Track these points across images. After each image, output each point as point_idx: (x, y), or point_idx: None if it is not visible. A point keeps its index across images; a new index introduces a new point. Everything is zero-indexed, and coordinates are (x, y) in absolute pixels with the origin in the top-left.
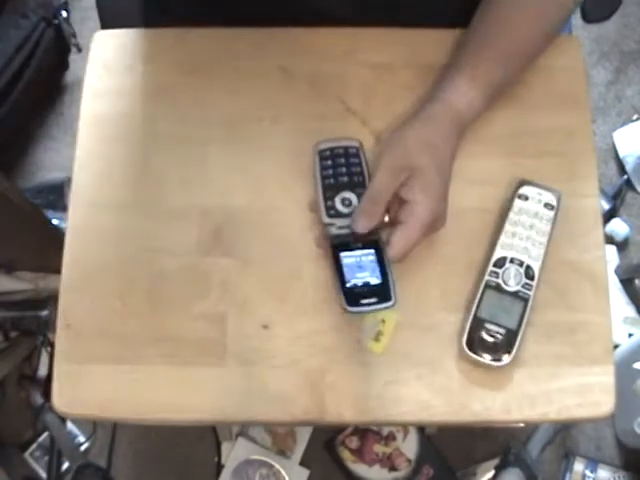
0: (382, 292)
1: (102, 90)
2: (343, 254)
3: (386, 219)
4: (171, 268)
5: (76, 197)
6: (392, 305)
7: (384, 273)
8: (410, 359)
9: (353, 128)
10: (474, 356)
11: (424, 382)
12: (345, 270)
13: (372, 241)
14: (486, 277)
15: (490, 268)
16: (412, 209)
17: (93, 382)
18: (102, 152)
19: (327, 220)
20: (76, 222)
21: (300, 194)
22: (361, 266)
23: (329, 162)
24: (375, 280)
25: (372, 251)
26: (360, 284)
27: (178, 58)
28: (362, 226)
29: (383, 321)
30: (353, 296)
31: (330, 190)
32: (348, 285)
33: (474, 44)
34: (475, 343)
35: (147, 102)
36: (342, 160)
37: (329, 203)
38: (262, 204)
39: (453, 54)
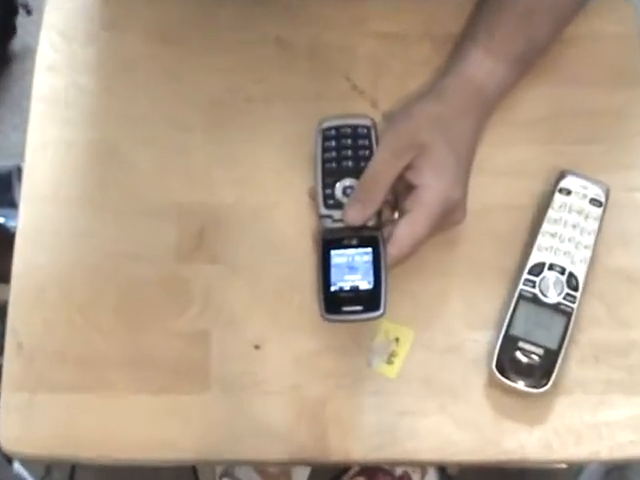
0: (371, 299)
1: (59, 62)
2: (334, 252)
3: (395, 216)
4: (144, 276)
5: (28, 191)
6: (380, 316)
7: (378, 277)
8: (429, 385)
9: (361, 110)
10: (506, 381)
11: (446, 413)
12: (332, 270)
13: (371, 239)
14: (520, 287)
15: (525, 276)
16: (419, 195)
17: (49, 415)
18: (60, 137)
19: (324, 211)
20: (29, 221)
21: (298, 189)
22: (352, 267)
23: (333, 143)
24: (365, 285)
25: (369, 250)
26: (347, 288)
27: (151, 25)
28: (353, 216)
29: (397, 340)
30: (335, 302)
31: (331, 176)
32: (332, 289)
33: (489, 7)
34: (507, 366)
35: (114, 78)
36: (348, 141)
37: (328, 191)
38: (253, 201)
39: (468, 21)
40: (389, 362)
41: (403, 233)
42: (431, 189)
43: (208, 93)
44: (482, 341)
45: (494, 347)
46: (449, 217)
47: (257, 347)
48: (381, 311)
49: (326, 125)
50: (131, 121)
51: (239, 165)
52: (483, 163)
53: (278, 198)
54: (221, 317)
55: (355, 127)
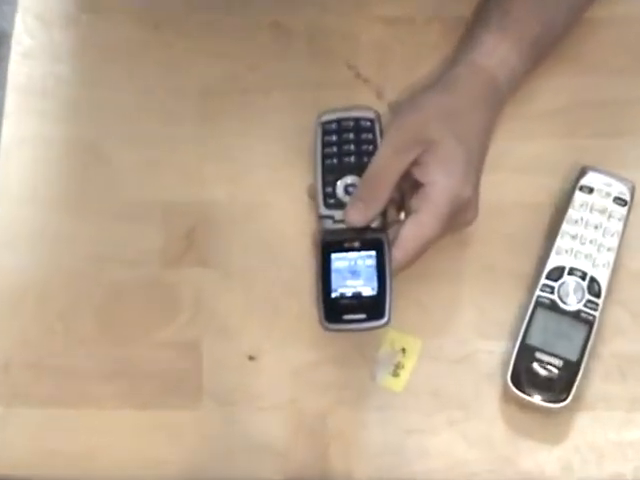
0: (374, 307)
1: (36, 49)
2: (335, 255)
3: (401, 216)
4: (128, 282)
5: (3, 191)
6: (384, 324)
7: (382, 283)
8: (439, 400)
9: (365, 100)
10: (522, 396)
11: (457, 430)
12: (333, 276)
13: (375, 241)
14: (537, 292)
15: (542, 281)
16: (426, 193)
17: (25, 431)
18: (36, 131)
19: (324, 211)
20: (3, 224)
21: (296, 187)
22: (355, 272)
23: (334, 137)
24: (369, 291)
25: (372, 254)
26: (349, 295)
27: (137, 8)
28: (355, 217)
29: (403, 350)
30: (336, 309)
31: (331, 173)
32: (333, 295)
33: None
34: (523, 379)
35: (96, 66)
36: (351, 135)
37: (328, 189)
38: (248, 199)
39: (480, 4)
40: (395, 375)
41: (409, 235)
42: (439, 187)
43: (199, 82)
44: (496, 352)
45: (509, 358)
46: (459, 217)
47: (252, 358)
48: (386, 319)
49: (326, 118)
50: (115, 114)
51: (232, 161)
52: (496, 159)
53: (274, 197)
54: (212, 325)
55: (358, 120)
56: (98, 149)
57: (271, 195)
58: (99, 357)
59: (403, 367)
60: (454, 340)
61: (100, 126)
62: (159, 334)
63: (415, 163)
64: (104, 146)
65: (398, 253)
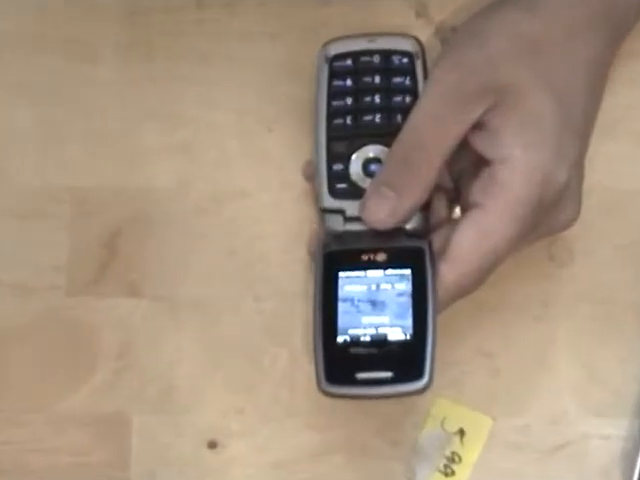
0: (408, 360)
1: None
2: (345, 275)
3: (456, 213)
4: (14, 318)
5: None
6: (424, 389)
7: (422, 322)
8: None
9: (399, 23)
10: None
11: None
12: (341, 308)
13: (410, 253)
14: None
15: None
16: (495, 176)
17: None
18: None
19: (329, 203)
20: None
21: (287, 163)
22: (377, 302)
23: (348, 82)
24: (399, 333)
25: (406, 273)
26: (366, 339)
27: None
28: (379, 213)
29: (462, 433)
30: (345, 363)
31: (343, 141)
32: (340, 339)
33: None
34: None
35: None
36: (376, 79)
37: (337, 167)
38: (207, 186)
39: None
40: (447, 473)
41: (468, 243)
42: (517, 166)
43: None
44: (614, 436)
45: (636, 448)
46: (550, 216)
47: (213, 445)
48: (425, 380)
49: (336, 51)
50: None
51: (181, 122)
52: (612, 121)
53: (250, 181)
54: (149, 390)
55: (387, 54)
56: None
57: (245, 179)
58: None
59: (461, 460)
60: (546, 418)
61: None
62: (62, 403)
63: (478, 127)
64: None
65: (449, 272)
